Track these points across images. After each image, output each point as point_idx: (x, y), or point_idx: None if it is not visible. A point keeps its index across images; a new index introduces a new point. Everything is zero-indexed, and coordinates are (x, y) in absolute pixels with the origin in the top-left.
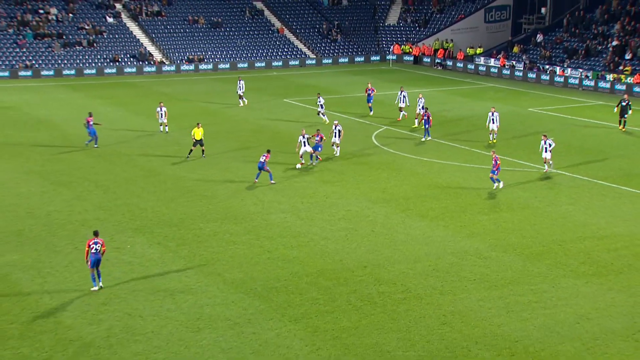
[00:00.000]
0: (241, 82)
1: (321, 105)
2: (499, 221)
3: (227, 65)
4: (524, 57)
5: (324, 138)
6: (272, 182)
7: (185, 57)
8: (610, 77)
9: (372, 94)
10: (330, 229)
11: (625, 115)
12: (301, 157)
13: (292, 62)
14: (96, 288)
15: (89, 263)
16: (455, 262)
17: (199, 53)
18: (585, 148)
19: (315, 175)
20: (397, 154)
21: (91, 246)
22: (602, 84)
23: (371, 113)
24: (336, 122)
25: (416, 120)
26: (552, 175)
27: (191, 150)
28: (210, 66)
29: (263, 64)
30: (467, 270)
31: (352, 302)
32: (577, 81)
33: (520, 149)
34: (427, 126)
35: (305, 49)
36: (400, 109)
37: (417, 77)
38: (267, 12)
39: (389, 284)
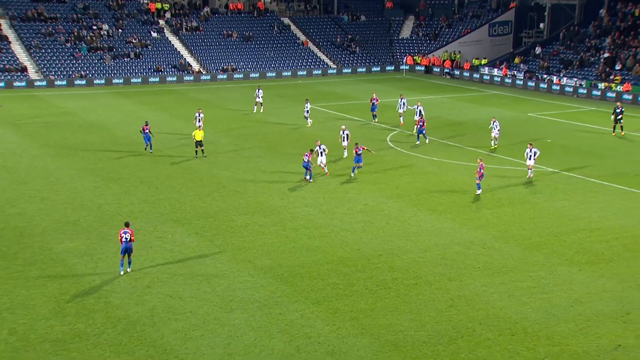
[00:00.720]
0: (260, 90)
1: (307, 110)
2: (501, 215)
3: (257, 75)
4: (522, 66)
5: (364, 148)
6: (310, 180)
7: (220, 67)
8: (602, 85)
9: (376, 103)
10: (349, 221)
11: (620, 121)
12: (320, 164)
13: (315, 72)
14: (122, 273)
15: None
16: (462, 251)
17: (232, 64)
18: (579, 149)
19: (335, 173)
20: (409, 154)
21: (122, 235)
22: (594, 92)
23: (375, 120)
24: (343, 126)
25: (415, 127)
26: (534, 181)
27: (196, 151)
28: (242, 75)
29: (289, 73)
30: (472, 258)
31: (369, 286)
32: (572, 89)
33: (521, 150)
34: (422, 131)
35: (327, 60)
36: (400, 115)
37: (428, 85)
38: (293, 27)
39: (402, 270)
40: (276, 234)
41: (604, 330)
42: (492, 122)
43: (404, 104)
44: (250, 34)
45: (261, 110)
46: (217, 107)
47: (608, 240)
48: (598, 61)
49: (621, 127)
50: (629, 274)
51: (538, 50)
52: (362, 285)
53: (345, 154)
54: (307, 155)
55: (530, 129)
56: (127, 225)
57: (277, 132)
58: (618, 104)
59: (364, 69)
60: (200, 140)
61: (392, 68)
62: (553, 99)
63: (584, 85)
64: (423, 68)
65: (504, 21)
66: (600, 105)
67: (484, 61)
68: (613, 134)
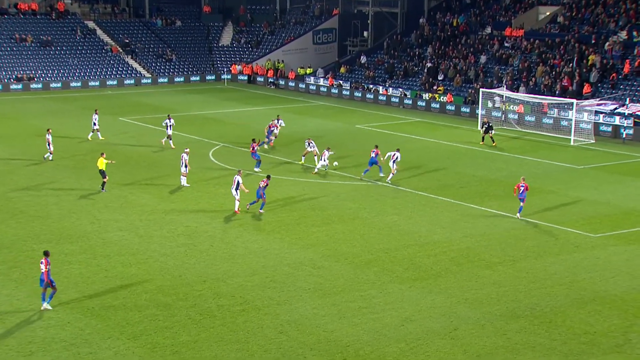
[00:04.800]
0: (96, 115)
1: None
2: (331, 232)
3: (59, 85)
4: (320, 71)
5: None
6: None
7: (14, 76)
8: (426, 96)
9: (273, 129)
10: (169, 245)
11: (490, 133)
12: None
13: (127, 81)
14: (45, 306)
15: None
16: (291, 272)
17: (28, 72)
18: (406, 161)
19: (154, 193)
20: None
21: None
22: (420, 102)
23: (266, 146)
24: (187, 150)
25: (315, 158)
26: (363, 195)
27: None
28: (41, 85)
29: (97, 83)
30: (302, 280)
31: (192, 316)
32: (398, 100)
33: (350, 163)
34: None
35: (140, 68)
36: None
37: (251, 96)
38: (99, 32)
39: (228, 296)
40: (85, 263)
41: (433, 348)
42: (307, 143)
43: (170, 124)
44: (49, 38)
45: (100, 137)
46: (13, 120)
47: (436, 254)
48: (422, 71)
49: (491, 138)
50: (456, 288)
51: (363, 59)
52: (185, 315)
53: (184, 182)
54: (264, 181)
55: (358, 142)
56: (45, 254)
57: (86, 149)
58: (484, 119)
59: (182, 79)
60: (103, 170)
61: (213, 77)
62: (380, 110)
63: (409, 96)
64: (246, 77)
65: (328, 29)
66: (425, 116)
67: (309, 70)
68: (481, 143)
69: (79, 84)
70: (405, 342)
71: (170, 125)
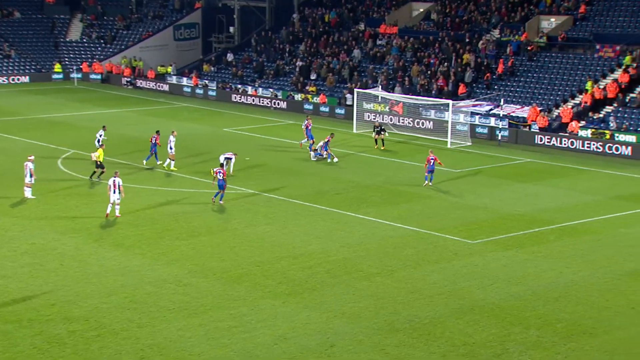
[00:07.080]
0: None
1: (99, 138)
2: (197, 246)
3: None
4: (193, 70)
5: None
6: (221, 202)
7: None
8: (299, 96)
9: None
10: (10, 266)
11: (381, 135)
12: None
13: None
14: None
15: None
16: (154, 291)
17: None
18: (280, 168)
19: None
20: (87, 179)
21: None
22: (292, 103)
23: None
24: (31, 157)
25: (173, 162)
26: (230, 206)
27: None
28: None
29: None
30: (166, 299)
31: (38, 345)
32: (268, 101)
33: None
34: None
35: None
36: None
37: (106, 97)
38: None
39: (81, 321)
40: None
41: None
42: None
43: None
44: None
45: None
46: None
47: (311, 266)
48: (293, 70)
49: (382, 140)
50: (332, 302)
51: (230, 57)
52: (29, 344)
53: (29, 194)
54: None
55: (227, 146)
56: None
57: None
58: (376, 123)
59: (23, 77)
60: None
61: (61, 76)
62: (249, 112)
63: (280, 96)
64: (99, 76)
65: (190, 23)
66: (298, 119)
67: (169, 69)
68: (376, 147)
69: None
70: None
71: (99, 139)
